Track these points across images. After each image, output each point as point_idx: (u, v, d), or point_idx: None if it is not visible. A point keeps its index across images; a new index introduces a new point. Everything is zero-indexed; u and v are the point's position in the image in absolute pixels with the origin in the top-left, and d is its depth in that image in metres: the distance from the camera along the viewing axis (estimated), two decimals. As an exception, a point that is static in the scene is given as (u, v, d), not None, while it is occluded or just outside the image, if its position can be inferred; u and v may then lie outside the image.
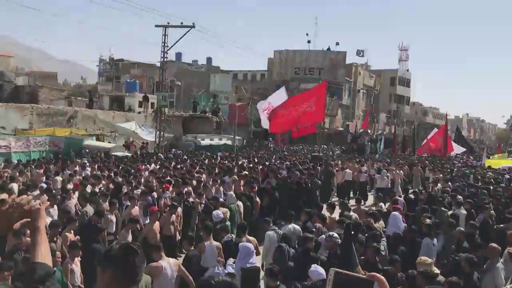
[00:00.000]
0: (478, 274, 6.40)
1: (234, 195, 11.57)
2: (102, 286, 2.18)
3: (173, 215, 9.55)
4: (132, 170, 14.70)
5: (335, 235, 6.79)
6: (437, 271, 5.88)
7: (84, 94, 35.60)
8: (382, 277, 1.26)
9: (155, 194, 11.32)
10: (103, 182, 12.49)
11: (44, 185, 10.91)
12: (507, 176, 18.74)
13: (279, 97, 23.43)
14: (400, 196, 13.41)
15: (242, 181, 13.17)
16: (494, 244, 6.89)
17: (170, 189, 11.71)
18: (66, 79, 60.52)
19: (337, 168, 19.67)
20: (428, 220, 8.34)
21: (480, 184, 15.67)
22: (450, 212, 10.10)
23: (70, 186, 11.35)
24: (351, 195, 17.96)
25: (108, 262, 2.19)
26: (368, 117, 31.95)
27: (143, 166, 16.28)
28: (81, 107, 29.09)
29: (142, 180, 13.31)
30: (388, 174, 18.35)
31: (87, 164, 15.99)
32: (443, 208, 10.61)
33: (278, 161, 20.73)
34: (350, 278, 1.27)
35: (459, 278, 5.53)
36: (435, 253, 7.68)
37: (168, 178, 13.16)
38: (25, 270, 2.21)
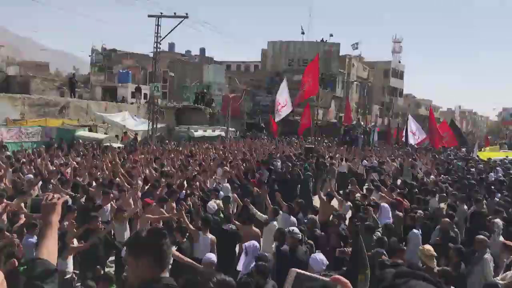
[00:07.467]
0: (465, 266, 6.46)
1: (229, 186, 11.52)
2: (135, 274, 2.11)
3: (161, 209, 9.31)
4: (122, 160, 14.63)
5: (296, 230, 6.56)
6: (434, 265, 5.85)
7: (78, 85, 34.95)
8: (346, 280, 1.21)
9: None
10: (101, 172, 12.43)
11: (31, 176, 10.78)
12: (498, 168, 18.91)
13: (283, 90, 24.40)
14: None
15: (233, 171, 13.13)
16: (480, 237, 6.85)
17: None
18: (58, 69, 59.88)
19: (333, 160, 19.44)
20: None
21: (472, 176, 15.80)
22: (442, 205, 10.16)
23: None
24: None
25: (140, 249, 2.11)
26: (349, 108, 32.50)
27: (133, 157, 16.11)
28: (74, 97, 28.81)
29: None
30: (384, 166, 18.42)
31: (74, 154, 15.91)
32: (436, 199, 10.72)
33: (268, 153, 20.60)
34: (312, 281, 1.23)
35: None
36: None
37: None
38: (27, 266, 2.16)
